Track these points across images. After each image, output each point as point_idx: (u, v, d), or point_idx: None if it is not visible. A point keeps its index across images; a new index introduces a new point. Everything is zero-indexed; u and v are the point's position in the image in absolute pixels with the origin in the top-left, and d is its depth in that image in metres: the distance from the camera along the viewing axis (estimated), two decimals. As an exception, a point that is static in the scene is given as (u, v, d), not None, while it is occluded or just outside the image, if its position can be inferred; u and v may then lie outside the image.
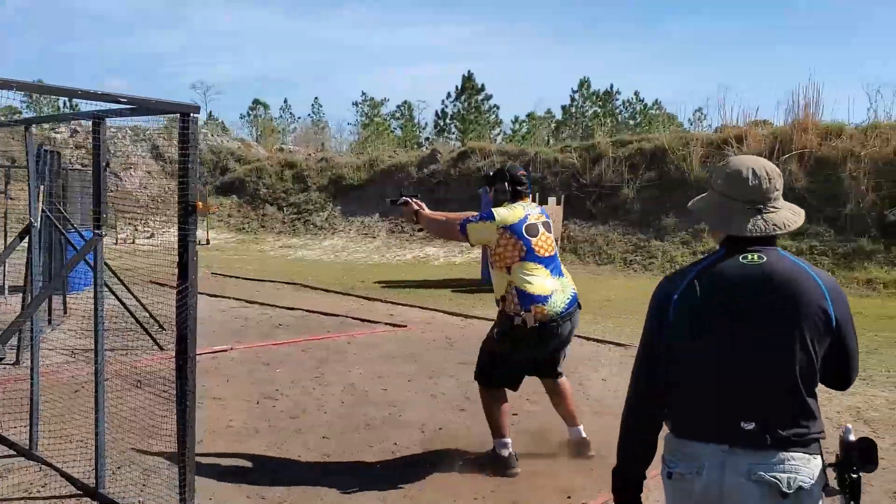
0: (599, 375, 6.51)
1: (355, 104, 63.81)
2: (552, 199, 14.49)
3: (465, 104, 55.02)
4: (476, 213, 4.36)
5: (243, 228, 21.93)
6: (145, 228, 21.40)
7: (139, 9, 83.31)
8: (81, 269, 11.75)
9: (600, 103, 62.43)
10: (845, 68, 69.21)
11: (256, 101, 57.74)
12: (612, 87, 64.33)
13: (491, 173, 4.56)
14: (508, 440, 4.27)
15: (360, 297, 11.32)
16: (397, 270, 15.47)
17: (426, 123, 60.19)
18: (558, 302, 4.15)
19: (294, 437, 4.80)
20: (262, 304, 10.25)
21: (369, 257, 17.72)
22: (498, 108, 57.92)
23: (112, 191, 21.89)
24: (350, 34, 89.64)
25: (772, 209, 2.04)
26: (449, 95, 55.36)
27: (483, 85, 55.24)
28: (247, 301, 10.48)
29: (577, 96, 62.70)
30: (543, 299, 4.11)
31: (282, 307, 9.98)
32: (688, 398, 2.00)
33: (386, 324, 8.82)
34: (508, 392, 4.42)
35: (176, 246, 3.55)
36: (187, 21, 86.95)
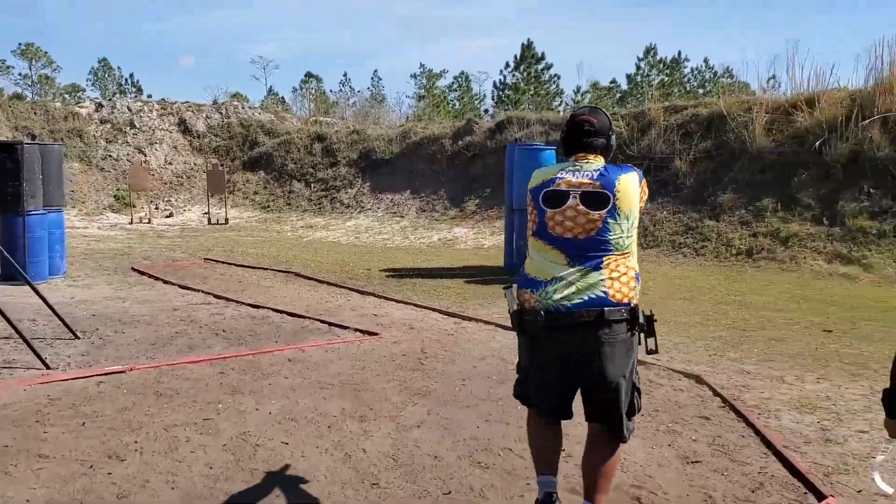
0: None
1: (413, 76, 62.51)
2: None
3: (525, 74, 52.86)
4: None
5: (268, 206, 20.64)
6: (166, 207, 20.28)
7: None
8: (41, 252, 10.56)
9: (667, 71, 59.31)
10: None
11: (309, 75, 56.82)
12: (679, 53, 61.23)
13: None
14: (549, 477, 3.15)
15: (353, 289, 9.75)
16: (418, 254, 13.85)
17: (485, 95, 58.34)
18: (558, 294, 2.98)
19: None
20: (228, 300, 8.78)
21: (392, 239, 16.14)
22: (559, 77, 55.55)
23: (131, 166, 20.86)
24: (411, 5, 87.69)
25: None
26: (507, 65, 53.39)
27: (543, 54, 53.04)
28: (214, 296, 9.02)
29: (642, 64, 59.74)
30: (534, 284, 3.05)
31: (247, 304, 8.48)
32: None
33: (355, 330, 7.21)
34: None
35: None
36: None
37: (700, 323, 7.96)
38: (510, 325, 3.24)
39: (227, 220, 19.22)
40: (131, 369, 5.60)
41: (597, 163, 3.12)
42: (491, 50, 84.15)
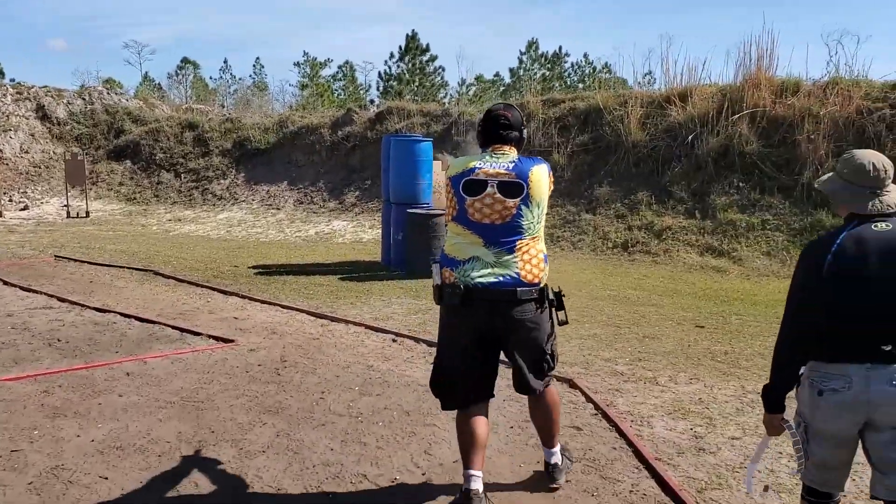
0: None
1: (297, 65, 61.14)
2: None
3: (410, 65, 52.48)
4: None
5: (134, 198, 19.39)
6: (21, 199, 18.71)
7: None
8: None
9: (549, 66, 60.31)
10: (803, 15, 66.99)
11: (185, 60, 54.45)
12: (560, 48, 62.33)
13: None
14: (472, 472, 3.31)
15: (215, 289, 9.07)
16: (292, 249, 13.21)
17: (370, 85, 57.71)
18: (475, 272, 3.28)
19: None
20: (72, 303, 7.96)
21: (266, 233, 15.40)
22: (444, 69, 55.56)
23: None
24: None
25: (885, 192, 2.66)
26: (392, 56, 52.94)
27: (428, 45, 52.87)
28: (58, 299, 8.17)
29: (525, 58, 60.52)
30: (454, 263, 3.34)
31: (91, 308, 7.70)
32: (838, 332, 2.60)
33: (209, 336, 6.61)
34: None
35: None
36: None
37: (576, 320, 7.76)
38: (433, 297, 3.43)
39: (88, 213, 17.88)
40: (-67, 392, 4.84)
41: (511, 154, 3.39)
42: (377, 41, 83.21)
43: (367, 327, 7.12)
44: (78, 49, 79.18)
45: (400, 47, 51.11)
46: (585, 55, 65.38)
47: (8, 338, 6.45)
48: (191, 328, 6.84)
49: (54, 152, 20.81)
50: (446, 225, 3.52)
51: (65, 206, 18.27)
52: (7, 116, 20.95)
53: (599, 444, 4.33)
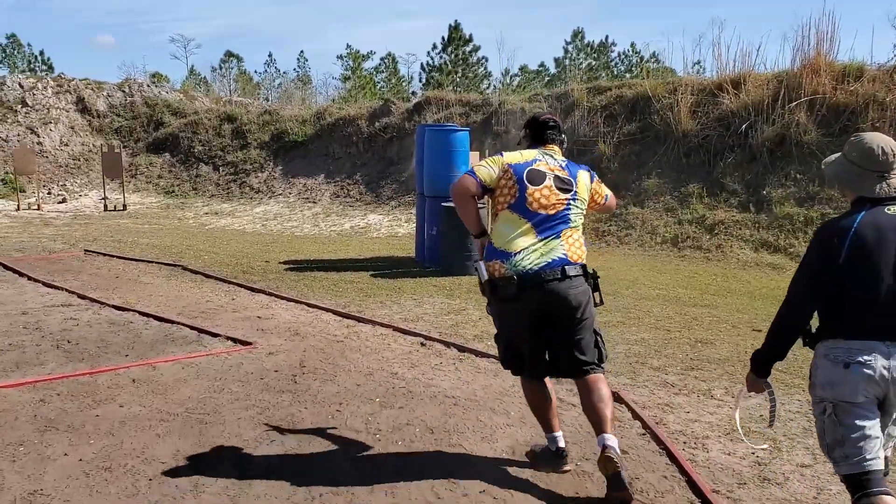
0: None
1: (340, 58, 61.14)
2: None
3: (452, 56, 51.90)
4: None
5: (172, 191, 19.23)
6: (60, 192, 18.69)
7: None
8: None
9: (595, 55, 59.19)
10: (867, -3, 64.07)
11: (229, 54, 54.68)
12: (606, 38, 61.20)
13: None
14: (556, 434, 3.75)
15: (242, 286, 8.70)
16: (326, 244, 12.82)
17: (412, 77, 57.36)
18: (526, 261, 3.49)
19: None
20: (92, 300, 7.65)
21: (301, 226, 15.04)
22: (486, 60, 54.85)
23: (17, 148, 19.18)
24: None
25: (892, 176, 2.68)
26: (435, 47, 52.46)
27: (471, 35, 52.19)
28: (78, 296, 7.87)
29: (570, 48, 59.48)
30: (505, 255, 3.52)
31: (110, 306, 7.37)
32: (859, 311, 2.64)
33: (227, 338, 6.20)
34: None
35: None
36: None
37: (621, 322, 7.22)
38: (481, 292, 3.62)
39: (125, 206, 17.76)
40: (-77, 399, 4.50)
41: (559, 155, 3.75)
42: (421, 32, 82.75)
43: (395, 329, 6.66)
44: (125, 45, 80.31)
45: (443, 38, 50.57)
46: (632, 44, 63.89)
47: (17, 338, 6.12)
48: (209, 329, 6.45)
49: (94, 145, 20.78)
50: (495, 214, 3.66)
51: (102, 199, 18.18)
52: (48, 109, 20.98)
53: (648, 471, 3.79)
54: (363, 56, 60.25)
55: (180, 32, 67.82)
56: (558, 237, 3.54)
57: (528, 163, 3.62)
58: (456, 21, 51.68)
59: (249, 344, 5.99)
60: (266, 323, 6.89)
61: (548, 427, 3.75)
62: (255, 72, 58.54)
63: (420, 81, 51.96)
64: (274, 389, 4.94)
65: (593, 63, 56.96)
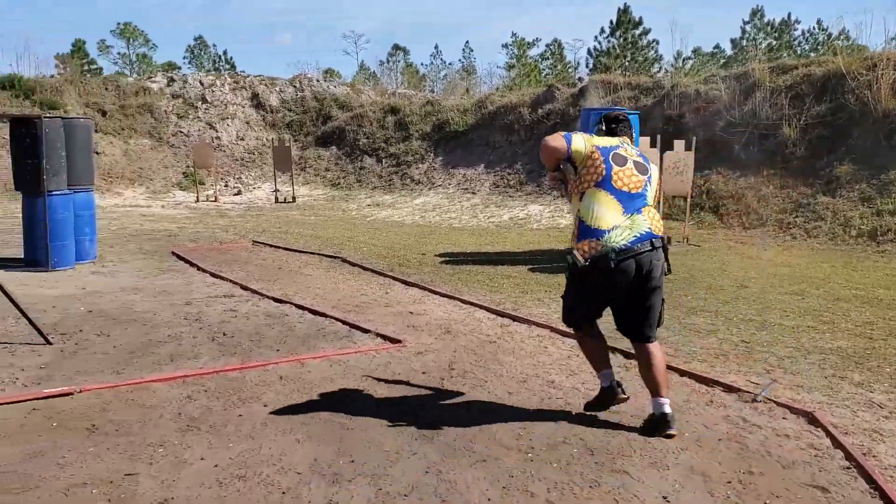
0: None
1: (505, 46, 60.96)
2: (679, 144, 10.96)
3: (621, 39, 50.22)
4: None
5: (338, 184, 19.67)
6: (235, 184, 19.62)
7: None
8: (66, 235, 9.73)
9: (776, 34, 55.31)
10: None
11: (396, 47, 55.83)
12: (789, 15, 57.09)
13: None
14: (608, 370, 4.22)
15: (397, 279, 8.53)
16: (484, 236, 12.51)
17: (578, 63, 56.17)
18: (619, 237, 3.86)
19: None
20: (253, 292, 7.72)
21: (460, 218, 14.83)
22: (657, 43, 52.73)
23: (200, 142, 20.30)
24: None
25: None
26: (602, 31, 50.99)
27: (640, 18, 50.28)
28: (241, 287, 7.98)
29: (748, 28, 55.95)
30: (599, 233, 3.88)
31: (269, 297, 7.39)
32: None
33: (376, 335, 5.98)
34: None
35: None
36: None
37: (812, 327, 6.35)
38: (572, 274, 4.09)
39: (294, 198, 18.35)
40: (80, 391, 4.53)
41: (632, 146, 4.23)
42: (587, 18, 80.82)
43: (553, 330, 6.17)
44: (302, 43, 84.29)
45: (611, 22, 49.01)
46: (818, 21, 59.19)
47: (177, 329, 6.19)
48: (360, 324, 6.25)
49: (267, 139, 21.65)
50: (581, 192, 3.98)
51: (274, 191, 18.87)
52: (225, 105, 22.10)
53: (858, 519, 3.10)
54: (528, 44, 59.72)
55: (351, 29, 70.07)
56: (640, 213, 3.96)
57: (613, 147, 4.07)
58: (625, 4, 49.72)
59: (399, 342, 5.72)
60: (417, 319, 6.62)
61: (604, 365, 4.23)
62: (422, 64, 59.57)
63: (587, 67, 50.68)
64: (420, 394, 4.62)
65: (773, 43, 53.27)
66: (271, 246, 11.24)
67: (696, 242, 11.36)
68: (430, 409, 4.34)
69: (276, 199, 18.46)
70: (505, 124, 18.27)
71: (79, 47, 54.01)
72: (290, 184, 18.90)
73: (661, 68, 47.55)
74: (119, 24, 57.52)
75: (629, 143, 4.23)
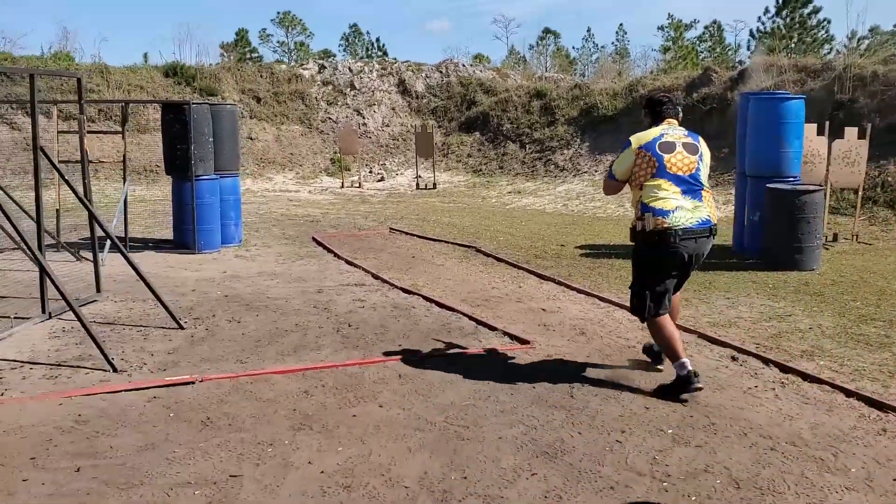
0: None
1: (661, 28, 58.89)
2: (850, 131, 9.90)
3: (788, 19, 46.99)
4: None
5: (479, 170, 19.44)
6: (380, 170, 19.83)
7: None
8: (212, 220, 10.00)
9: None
10: None
11: (546, 31, 54.92)
12: None
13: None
14: (685, 360, 4.30)
15: (532, 272, 8.15)
16: (628, 227, 11.84)
17: (739, 45, 53.26)
18: (682, 218, 4.25)
19: None
20: (383, 281, 7.59)
21: (605, 207, 14.20)
22: (829, 22, 48.96)
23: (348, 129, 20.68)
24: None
25: None
26: (766, 11, 47.92)
27: (811, -6, 46.77)
28: (373, 275, 7.88)
29: (936, 1, 50.82)
30: (664, 213, 4.25)
31: (398, 288, 7.23)
32: None
33: (504, 334, 5.64)
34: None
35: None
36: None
37: None
38: (633, 238, 4.50)
39: (435, 184, 18.29)
40: (201, 380, 4.50)
41: (678, 125, 4.51)
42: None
43: (701, 336, 5.62)
44: (456, 29, 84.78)
45: (777, 1, 45.92)
46: None
47: (305, 318, 6.13)
48: (488, 321, 5.94)
49: (412, 125, 21.74)
50: (639, 185, 4.38)
51: (416, 177, 18.91)
52: (372, 92, 22.37)
53: None
54: (685, 25, 57.08)
55: (502, 13, 69.68)
56: (700, 199, 4.32)
57: (657, 138, 4.34)
58: (792, -20, 46.43)
59: (527, 343, 5.36)
60: (550, 317, 6.23)
61: (678, 355, 4.30)
62: (573, 48, 58.29)
63: (748, 49, 47.82)
64: (546, 403, 4.24)
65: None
66: (407, 234, 11.14)
67: (867, 240, 10.25)
68: (554, 423, 3.97)
69: (418, 185, 18.48)
70: (656, 109, 17.36)
71: (242, 36, 56.79)
72: (431, 170, 18.87)
73: (831, 49, 44.11)
74: (279, 13, 59.87)
75: (675, 124, 4.48)
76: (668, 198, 4.25)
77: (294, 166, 19.69)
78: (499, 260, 8.94)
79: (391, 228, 11.65)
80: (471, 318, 6.06)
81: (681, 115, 4.59)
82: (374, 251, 9.70)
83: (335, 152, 20.14)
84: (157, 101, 16.17)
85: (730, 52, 52.17)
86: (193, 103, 9.38)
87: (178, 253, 9.31)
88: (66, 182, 5.70)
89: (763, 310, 6.48)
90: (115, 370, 4.68)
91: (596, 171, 16.92)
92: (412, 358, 5.01)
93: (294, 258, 9.09)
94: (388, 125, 21.80)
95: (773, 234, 8.34)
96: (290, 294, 7.04)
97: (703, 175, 4.39)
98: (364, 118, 21.70)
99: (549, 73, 26.78)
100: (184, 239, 9.52)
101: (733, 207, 10.87)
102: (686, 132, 4.44)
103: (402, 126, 21.84)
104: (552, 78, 23.38)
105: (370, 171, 19.96)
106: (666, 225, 4.22)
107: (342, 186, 18.43)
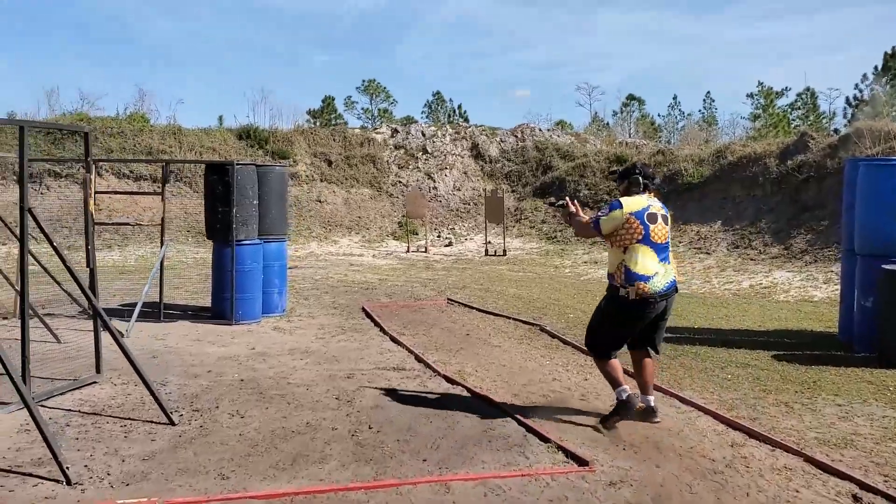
0: None
1: (750, 96, 57.09)
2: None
3: (889, 86, 44.78)
4: (601, 212, 5.00)
5: (554, 237, 18.42)
6: (448, 235, 19.03)
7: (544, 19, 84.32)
8: (253, 288, 9.24)
9: None
10: None
11: (630, 97, 53.91)
12: None
13: (620, 170, 5.33)
14: (625, 387, 4.95)
15: (601, 360, 6.99)
16: (717, 307, 10.55)
17: (834, 113, 51.01)
18: (659, 283, 4.78)
19: None
20: (426, 365, 6.61)
21: (690, 282, 12.89)
22: (937, 87, 46.44)
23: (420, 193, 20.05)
24: (740, 29, 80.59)
25: None
26: (865, 78, 45.81)
27: (915, 58, 44.53)
28: (416, 357, 6.92)
29: None
30: (646, 278, 4.75)
31: (442, 375, 6.22)
32: None
33: (559, 448, 4.52)
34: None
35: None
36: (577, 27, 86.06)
37: None
38: (611, 302, 4.99)
39: (505, 251, 17.30)
40: (163, 504, 3.55)
41: (656, 200, 5.04)
42: (842, 65, 73.80)
43: (808, 460, 4.37)
44: (538, 96, 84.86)
45: (875, 67, 43.84)
46: None
47: (320, 414, 5.16)
48: (540, 429, 4.83)
49: (484, 189, 20.97)
50: (623, 247, 4.85)
51: (485, 243, 17.99)
52: (445, 155, 21.76)
53: None
54: (776, 93, 55.20)
55: (586, 81, 69.06)
56: (669, 262, 4.93)
57: (645, 208, 4.87)
58: (893, 48, 44.29)
59: (586, 464, 4.23)
60: (619, 426, 5.07)
61: (620, 382, 4.97)
62: (658, 115, 56.91)
63: (844, 117, 45.66)
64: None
65: None
66: (465, 306, 10.15)
67: None
68: None
69: (486, 251, 17.55)
70: (747, 177, 16.05)
71: (328, 103, 57.88)
72: (501, 236, 17.93)
73: (937, 116, 41.64)
74: (364, 80, 60.91)
75: (655, 197, 5.01)
76: (648, 264, 4.76)
77: (361, 229, 19.09)
78: (565, 343, 7.85)
79: (449, 299, 10.69)
80: (520, 422, 4.97)
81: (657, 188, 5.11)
82: (425, 325, 8.74)
83: (403, 216, 19.47)
84: (199, 161, 15.86)
85: (824, 120, 50.05)
86: (237, 164, 8.74)
87: (213, 323, 8.57)
88: (54, 247, 4.97)
89: (887, 423, 5.18)
90: (68, 482, 3.80)
91: (680, 242, 15.64)
92: (435, 480, 3.95)
93: (336, 332, 8.22)
94: (458, 189, 21.08)
95: (891, 323, 6.99)
96: (315, 379, 6.12)
97: (669, 243, 4.98)
98: (435, 182, 21.06)
99: (631, 138, 25.72)
100: (221, 308, 8.79)
101: (837, 288, 9.52)
102: (661, 205, 5.01)
103: (474, 190, 21.08)
104: (634, 143, 22.33)
105: (438, 236, 19.17)
106: (649, 292, 4.73)
107: (407, 251, 17.66)
